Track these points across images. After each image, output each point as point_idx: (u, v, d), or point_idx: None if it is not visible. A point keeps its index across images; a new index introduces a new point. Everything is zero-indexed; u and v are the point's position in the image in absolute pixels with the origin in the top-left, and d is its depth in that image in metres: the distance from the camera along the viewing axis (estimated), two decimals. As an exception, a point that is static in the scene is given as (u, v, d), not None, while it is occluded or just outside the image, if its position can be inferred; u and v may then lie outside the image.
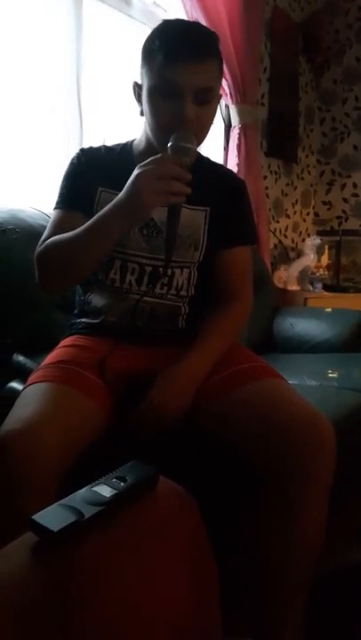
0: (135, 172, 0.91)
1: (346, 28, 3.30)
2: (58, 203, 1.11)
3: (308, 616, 0.95)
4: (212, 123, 1.05)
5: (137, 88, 1.06)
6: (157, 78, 0.98)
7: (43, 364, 1.05)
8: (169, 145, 0.95)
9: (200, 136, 1.02)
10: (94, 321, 1.14)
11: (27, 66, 1.78)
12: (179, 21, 1.07)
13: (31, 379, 1.00)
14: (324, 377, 1.63)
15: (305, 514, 0.89)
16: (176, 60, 0.96)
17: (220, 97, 1.09)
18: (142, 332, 1.11)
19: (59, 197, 1.11)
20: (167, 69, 0.96)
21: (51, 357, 1.07)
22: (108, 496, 0.59)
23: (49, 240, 1.03)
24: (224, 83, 2.38)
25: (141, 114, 1.05)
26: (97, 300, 1.13)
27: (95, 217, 0.96)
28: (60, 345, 1.12)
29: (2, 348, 1.32)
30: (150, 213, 1.02)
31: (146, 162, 0.91)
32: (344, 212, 3.37)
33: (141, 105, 1.05)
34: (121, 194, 0.93)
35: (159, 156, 0.92)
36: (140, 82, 1.04)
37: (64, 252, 1.01)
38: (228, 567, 0.83)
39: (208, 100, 1.00)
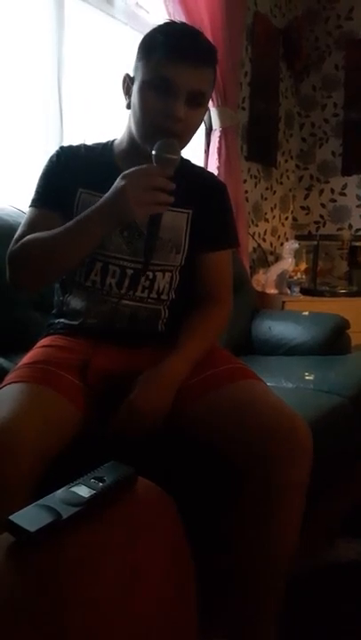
0: (120, 180, 0.92)
1: (326, 36, 3.35)
2: (34, 201, 1.10)
3: (288, 615, 0.96)
4: (197, 128, 1.06)
5: (128, 80, 1.05)
6: (155, 73, 0.99)
7: (19, 364, 1.04)
8: (153, 154, 0.95)
9: (185, 139, 1.03)
10: (73, 322, 1.13)
11: (7, 63, 1.76)
12: (183, 24, 1.09)
13: (7, 379, 0.99)
14: (300, 379, 1.65)
15: (282, 513, 0.90)
16: (178, 59, 0.97)
17: (206, 106, 1.10)
18: (122, 335, 1.10)
19: (35, 195, 1.11)
20: (167, 66, 0.97)
21: (28, 357, 1.06)
22: (86, 496, 0.59)
23: (26, 238, 1.02)
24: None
25: (128, 107, 1.05)
26: (76, 301, 1.13)
27: (77, 219, 0.97)
28: (37, 345, 1.11)
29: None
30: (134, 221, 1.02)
31: (131, 171, 0.92)
32: (322, 217, 3.42)
33: (129, 98, 1.05)
34: (105, 199, 0.94)
35: (144, 167, 0.93)
36: (132, 74, 1.04)
37: (43, 252, 1.00)
38: (211, 567, 0.84)
39: (199, 104, 1.02)
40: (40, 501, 0.58)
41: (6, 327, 1.36)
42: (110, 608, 0.54)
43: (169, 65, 0.97)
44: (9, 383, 0.96)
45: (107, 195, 0.94)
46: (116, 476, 0.63)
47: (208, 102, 1.07)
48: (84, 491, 0.60)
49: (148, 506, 0.64)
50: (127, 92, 1.06)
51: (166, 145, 0.96)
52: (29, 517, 0.55)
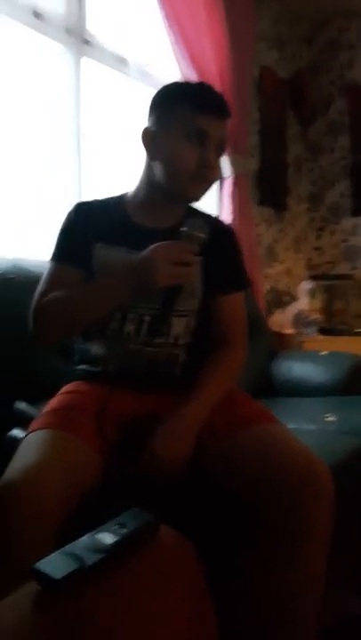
0: (150, 252, 0.97)
1: (329, 84, 3.48)
2: (54, 255, 1.14)
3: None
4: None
5: (148, 135, 1.10)
6: (189, 125, 1.05)
7: (44, 410, 1.06)
8: (184, 230, 1.00)
9: (214, 184, 1.11)
10: (94, 369, 1.15)
11: (29, 122, 1.87)
12: (208, 85, 1.13)
13: (32, 426, 1.00)
14: (321, 421, 1.63)
15: (304, 557, 0.88)
16: (209, 112, 1.06)
17: None
18: (140, 380, 1.12)
19: (55, 250, 1.15)
20: (200, 119, 1.05)
21: (51, 404, 1.07)
22: (109, 543, 0.59)
23: (51, 295, 1.06)
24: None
25: (153, 159, 1.09)
26: (96, 348, 1.15)
27: (100, 283, 1.03)
28: (60, 392, 1.13)
29: (4, 395, 1.33)
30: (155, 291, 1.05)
31: (162, 245, 0.97)
32: (334, 256, 3.45)
33: (152, 151, 1.09)
34: (132, 267, 0.99)
35: (175, 242, 0.98)
36: (151, 128, 1.09)
37: (66, 312, 1.05)
38: (233, 614, 0.82)
39: (223, 151, 1.10)
40: (64, 549, 0.58)
41: (31, 375, 1.39)
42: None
43: (202, 118, 1.05)
44: (33, 430, 0.98)
45: (134, 262, 0.99)
46: (138, 523, 0.63)
47: None
48: (107, 537, 0.60)
49: (169, 553, 0.64)
50: (148, 146, 1.10)
51: (197, 224, 1.01)
52: (54, 565, 0.55)
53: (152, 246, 0.98)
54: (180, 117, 1.06)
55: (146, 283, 0.97)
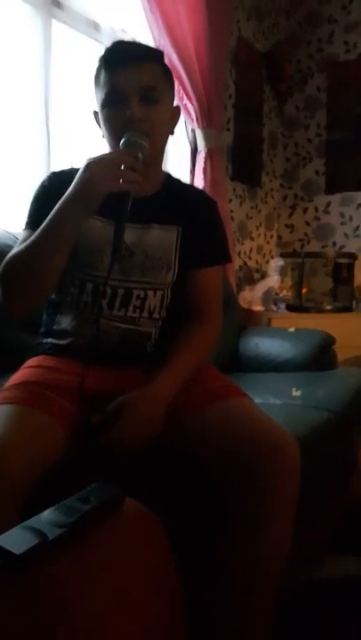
0: (84, 163, 0.94)
1: (307, 59, 3.44)
2: (27, 224, 1.11)
3: (276, 631, 0.95)
4: (165, 126, 1.08)
5: (96, 116, 1.09)
6: (104, 91, 1.03)
7: (6, 384, 1.04)
8: (121, 142, 0.98)
9: (154, 137, 1.03)
10: (61, 342, 1.13)
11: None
12: (117, 41, 1.11)
13: (-5, 400, 0.98)
14: (288, 395, 1.66)
15: (272, 527, 0.90)
16: (115, 66, 1.02)
17: (178, 111, 1.13)
18: (111, 356, 1.10)
19: (28, 218, 1.11)
20: (109, 78, 1.02)
21: (15, 378, 1.05)
22: (72, 517, 0.59)
23: (8, 255, 1.02)
24: (190, 107, 2.44)
25: (103, 136, 1.08)
26: (66, 321, 1.13)
27: (49, 218, 0.97)
28: (25, 365, 1.11)
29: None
30: (101, 199, 0.97)
31: (97, 155, 0.94)
32: (306, 234, 3.47)
33: (100, 129, 1.08)
34: (72, 186, 0.95)
35: (113, 151, 0.96)
36: (96, 109, 1.08)
37: (25, 261, 0.99)
38: (200, 584, 0.84)
39: (155, 99, 1.03)
40: (26, 523, 0.58)
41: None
42: (97, 627, 0.53)
43: (112, 75, 1.02)
44: (-4, 405, 0.96)
45: (73, 183, 0.95)
46: (102, 498, 0.63)
47: (168, 98, 1.08)
48: (69, 512, 0.60)
49: (134, 526, 0.65)
50: (99, 125, 1.09)
51: (133, 132, 0.99)
52: (15, 539, 0.54)
53: (87, 158, 0.95)
54: (100, 86, 1.04)
55: (87, 193, 0.92)
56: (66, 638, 0.51)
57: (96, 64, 1.07)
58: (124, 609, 0.58)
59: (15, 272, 1.00)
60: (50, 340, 1.15)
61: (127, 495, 0.66)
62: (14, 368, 1.11)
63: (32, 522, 0.58)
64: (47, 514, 0.60)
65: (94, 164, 0.92)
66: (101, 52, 1.08)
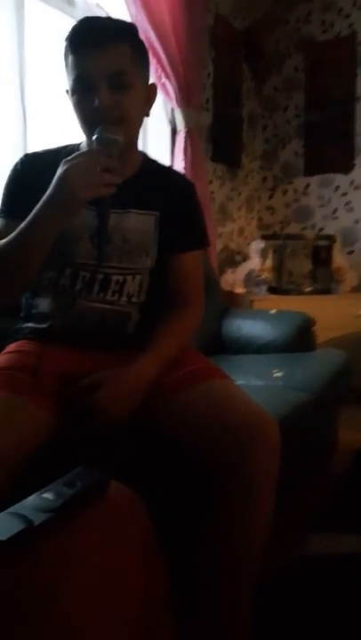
0: (62, 167, 0.90)
1: (286, 38, 3.40)
2: (1, 212, 1.08)
3: (259, 608, 0.97)
4: (137, 111, 1.03)
5: (68, 95, 1.04)
6: (72, 75, 0.98)
7: (-14, 370, 1.02)
8: (94, 138, 0.95)
9: (127, 123, 1.00)
10: (41, 325, 1.12)
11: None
12: (85, 17, 1.04)
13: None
14: (269, 377, 1.68)
15: (253, 505, 0.92)
16: (81, 50, 0.96)
17: (153, 89, 1.07)
18: (91, 338, 1.10)
19: (2, 206, 1.09)
20: (76, 64, 0.97)
21: (-5, 363, 1.04)
22: (56, 502, 0.59)
23: None
24: (169, 86, 2.40)
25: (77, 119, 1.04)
26: (45, 304, 1.11)
27: (28, 219, 0.94)
28: (5, 351, 1.10)
29: None
30: (83, 207, 0.96)
31: (72, 156, 0.90)
32: (286, 217, 3.48)
33: (73, 111, 1.04)
34: (49, 191, 0.91)
35: (85, 150, 0.92)
36: (67, 89, 1.04)
37: (4, 259, 0.98)
38: (185, 563, 0.85)
39: (125, 85, 0.98)
40: (11, 509, 0.57)
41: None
42: (84, 611, 0.54)
43: (77, 60, 0.97)
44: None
45: (51, 186, 0.91)
46: (87, 482, 0.63)
47: (140, 80, 1.03)
48: (54, 496, 0.59)
49: (118, 509, 0.65)
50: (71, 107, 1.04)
51: (105, 127, 0.95)
52: (0, 525, 0.54)
53: (64, 160, 0.91)
54: (68, 70, 1.00)
55: (65, 200, 0.89)
56: (54, 621, 0.51)
57: (63, 43, 1.01)
58: (110, 590, 0.58)
59: None
60: (29, 324, 1.14)
61: (112, 478, 0.66)
62: (-6, 353, 1.10)
63: (17, 507, 0.58)
64: (32, 499, 0.59)
65: (72, 173, 0.88)
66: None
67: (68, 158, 0.90)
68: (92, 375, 1.00)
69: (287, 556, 1.32)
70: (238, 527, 0.92)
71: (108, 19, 1.07)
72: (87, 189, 0.88)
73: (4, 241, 0.98)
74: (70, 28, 1.01)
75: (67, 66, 1.01)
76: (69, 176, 0.88)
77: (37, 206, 0.93)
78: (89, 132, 0.99)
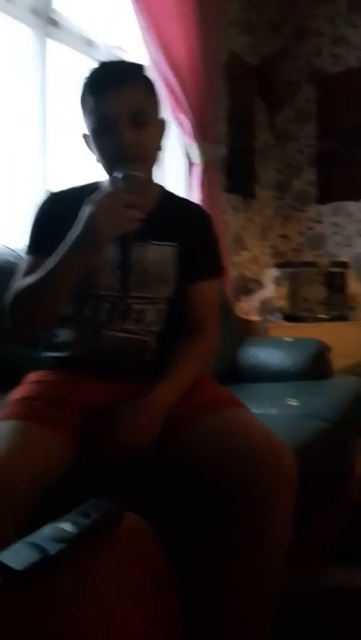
0: (87, 208, 0.94)
1: (297, 72, 3.49)
2: (28, 248, 1.12)
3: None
4: (156, 145, 1.08)
5: (86, 138, 1.09)
6: (93, 118, 1.03)
7: (7, 400, 1.04)
8: (117, 175, 0.99)
9: (147, 159, 1.05)
10: (61, 354, 1.14)
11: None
12: (100, 62, 1.10)
13: (-5, 416, 0.99)
14: (284, 405, 1.67)
15: (269, 537, 0.91)
16: (101, 94, 1.01)
17: (164, 124, 1.11)
18: (110, 366, 1.11)
19: (29, 243, 1.12)
20: (97, 105, 1.01)
21: (15, 394, 1.06)
22: (71, 532, 0.59)
23: (15, 288, 1.04)
24: (185, 121, 2.47)
25: (98, 160, 1.08)
26: (65, 333, 1.14)
27: (54, 257, 0.97)
28: (25, 381, 1.12)
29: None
30: (108, 244, 1.00)
31: (96, 195, 0.94)
32: (300, 244, 3.50)
33: (93, 153, 1.08)
34: (75, 230, 0.95)
35: (109, 189, 0.96)
36: (86, 132, 1.08)
37: (30, 298, 1.01)
38: (199, 597, 0.84)
39: (144, 122, 1.02)
40: (26, 538, 0.58)
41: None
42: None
43: (97, 103, 1.01)
44: (-4, 421, 0.97)
45: (76, 225, 0.95)
46: (101, 512, 0.63)
47: (155, 116, 1.08)
48: (70, 527, 0.60)
49: (133, 540, 0.65)
50: (91, 149, 1.08)
51: (127, 164, 0.99)
52: (16, 555, 0.55)
53: (87, 199, 0.95)
54: (87, 112, 1.04)
55: (91, 239, 0.93)
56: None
57: (80, 87, 1.06)
58: (124, 622, 0.58)
59: (24, 306, 1.03)
60: (50, 353, 1.16)
61: (126, 508, 0.67)
62: (15, 383, 1.12)
63: (33, 537, 0.59)
64: (47, 529, 0.60)
65: (96, 210, 0.92)
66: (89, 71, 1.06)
67: (92, 197, 0.94)
68: (113, 411, 1.01)
69: (303, 587, 1.29)
70: (254, 555, 0.91)
71: (122, 61, 1.13)
72: (112, 227, 0.92)
73: (30, 278, 1.01)
74: (88, 73, 1.06)
75: (85, 109, 1.05)
76: (95, 215, 0.92)
77: (63, 245, 0.96)
78: (111, 170, 1.03)
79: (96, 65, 1.08)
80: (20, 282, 1.04)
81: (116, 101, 1.00)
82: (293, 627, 1.15)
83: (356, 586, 1.33)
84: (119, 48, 2.33)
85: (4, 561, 0.54)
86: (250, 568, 0.92)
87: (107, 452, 0.97)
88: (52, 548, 0.57)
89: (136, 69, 1.07)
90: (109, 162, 1.03)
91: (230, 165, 3.07)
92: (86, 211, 0.93)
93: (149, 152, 1.06)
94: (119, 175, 0.98)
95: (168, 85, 2.37)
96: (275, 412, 1.62)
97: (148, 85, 1.07)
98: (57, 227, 1.06)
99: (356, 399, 1.81)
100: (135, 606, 0.61)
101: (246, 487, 0.90)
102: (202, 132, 2.52)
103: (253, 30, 3.32)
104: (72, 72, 2.11)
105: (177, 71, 2.36)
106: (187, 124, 2.48)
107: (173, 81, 2.37)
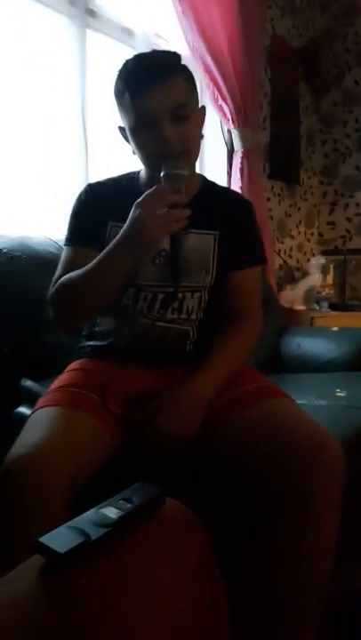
0: (135, 209, 0.94)
1: (344, 52, 3.37)
2: (67, 240, 1.13)
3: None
4: (198, 137, 1.07)
5: (122, 131, 1.09)
6: (132, 115, 1.01)
7: (50, 388, 1.06)
8: (162, 175, 0.98)
9: (190, 154, 1.04)
10: (102, 343, 1.15)
11: (33, 98, 1.84)
12: (135, 56, 1.07)
13: (39, 403, 1.01)
14: (332, 396, 1.63)
15: (314, 531, 0.88)
16: (140, 91, 0.99)
17: (204, 111, 1.10)
18: (150, 355, 1.11)
19: (68, 234, 1.13)
20: (136, 104, 1.00)
21: (58, 381, 1.08)
22: (114, 517, 0.59)
23: (60, 281, 1.05)
24: (226, 107, 2.43)
25: (134, 153, 1.08)
26: (107, 322, 1.15)
27: (101, 255, 0.98)
28: (67, 369, 1.13)
29: (10, 373, 1.34)
30: (159, 245, 1.04)
31: (143, 197, 0.94)
32: (348, 231, 3.40)
33: (129, 144, 1.08)
34: (124, 231, 0.96)
35: (154, 189, 0.95)
36: (122, 124, 1.07)
37: (75, 293, 1.03)
38: (243, 588, 0.83)
39: (186, 117, 1.01)
40: (69, 523, 0.59)
41: (37, 352, 1.40)
42: (140, 628, 0.54)
43: (138, 100, 0.99)
44: (40, 407, 0.99)
45: (125, 226, 0.96)
46: (144, 497, 0.63)
47: (198, 108, 1.07)
48: (112, 512, 0.60)
49: (175, 526, 0.65)
50: (127, 141, 1.08)
51: (171, 163, 0.98)
52: (59, 539, 0.55)
53: (136, 202, 0.94)
54: (125, 109, 1.03)
55: (139, 241, 0.94)
56: (107, 638, 0.51)
57: (116, 81, 1.04)
58: (166, 609, 0.58)
59: (68, 301, 1.04)
60: (91, 342, 1.18)
61: (168, 495, 0.67)
62: (58, 372, 1.14)
63: (75, 522, 0.59)
64: (90, 514, 0.60)
65: (145, 214, 0.92)
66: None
67: (139, 200, 0.94)
68: (153, 400, 1.01)
69: (351, 588, 1.26)
70: (299, 549, 0.89)
71: (158, 53, 1.09)
72: (159, 230, 0.93)
73: (76, 274, 1.02)
74: (122, 67, 1.04)
75: (122, 104, 1.04)
76: (142, 218, 0.92)
77: (111, 245, 0.97)
78: (154, 168, 1.03)
79: (132, 57, 1.06)
80: (64, 275, 1.05)
81: (156, 99, 0.98)
82: (342, 625, 1.12)
83: None
84: (158, 36, 2.31)
85: (48, 544, 0.54)
86: (296, 559, 0.89)
87: (146, 441, 0.97)
88: (94, 533, 0.57)
89: (174, 61, 1.04)
90: (150, 159, 1.03)
91: (274, 151, 3.00)
92: (135, 214, 0.94)
93: (192, 146, 1.05)
94: (164, 174, 0.97)
95: (208, 71, 2.34)
96: (321, 403, 1.58)
97: (187, 76, 1.05)
98: (95, 218, 1.08)
99: None
100: (179, 592, 0.60)
101: (291, 479, 0.88)
102: (243, 118, 2.48)
103: (297, 11, 3.22)
104: (112, 62, 2.11)
105: (217, 57, 2.32)
106: (227, 110, 2.44)
107: (213, 67, 2.33)
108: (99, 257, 0.98)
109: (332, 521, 0.90)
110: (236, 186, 2.49)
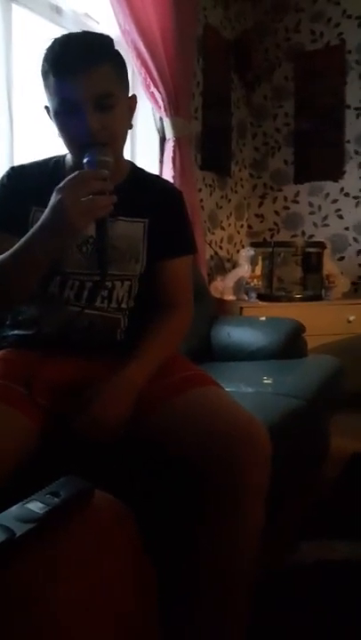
0: (56, 195, 0.90)
1: (275, 48, 3.44)
2: None
3: (252, 617, 0.96)
4: (124, 127, 1.04)
5: (48, 111, 1.04)
6: (55, 98, 0.97)
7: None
8: (85, 161, 0.95)
9: (115, 143, 1.01)
10: (27, 332, 1.11)
11: None
12: (64, 36, 1.00)
13: None
14: (259, 383, 1.67)
15: (243, 516, 0.91)
16: (64, 76, 0.95)
17: (134, 101, 1.07)
18: (78, 345, 1.09)
19: None
20: (60, 87, 0.95)
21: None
22: (40, 512, 0.58)
23: None
24: (158, 95, 2.41)
25: (58, 135, 1.04)
26: (32, 310, 1.11)
27: (21, 242, 0.94)
28: (-10, 360, 1.09)
29: None
30: (83, 233, 1.00)
31: (64, 182, 0.90)
32: (276, 224, 3.49)
33: (54, 125, 1.04)
34: (44, 217, 0.91)
35: (77, 173, 0.91)
36: (46, 104, 1.03)
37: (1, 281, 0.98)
38: (173, 575, 0.83)
39: (111, 105, 0.98)
40: (-8, 520, 0.56)
41: None
42: (70, 624, 0.52)
43: (61, 85, 0.95)
44: None
45: (45, 213, 0.91)
46: (72, 491, 0.62)
47: (124, 96, 1.03)
48: (38, 507, 0.58)
49: (105, 519, 0.64)
50: (52, 119, 1.04)
51: (95, 150, 0.95)
52: (-19, 537, 0.53)
53: (57, 188, 0.90)
54: (51, 91, 0.98)
55: (62, 228, 0.89)
56: (36, 635, 0.49)
57: (42, 61, 0.99)
58: (97, 602, 0.57)
59: None
60: (15, 331, 1.13)
61: (98, 487, 0.65)
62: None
63: (-1, 518, 0.56)
64: (14, 509, 0.58)
65: (67, 200, 0.87)
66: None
67: (61, 185, 0.90)
68: (82, 390, 0.99)
69: (279, 564, 1.31)
70: (228, 533, 0.91)
71: (86, 35, 1.03)
72: (83, 217, 0.89)
73: None
74: (49, 47, 0.99)
75: (47, 86, 0.99)
76: (64, 205, 0.88)
77: (31, 232, 0.93)
78: (77, 154, 0.99)
79: (60, 37, 1.00)
80: None
81: (81, 86, 0.94)
82: (269, 601, 1.16)
83: (330, 559, 1.36)
84: (88, 16, 2.24)
85: (-32, 543, 0.52)
86: (225, 542, 0.91)
87: (75, 432, 0.95)
88: (19, 529, 0.55)
89: (104, 46, 0.99)
90: (73, 145, 1.00)
91: (205, 142, 3.02)
92: (55, 200, 0.89)
93: (118, 135, 1.02)
94: (87, 160, 0.94)
95: (140, 57, 2.30)
96: (249, 390, 1.62)
97: (117, 63, 1.01)
98: (18, 202, 1.04)
99: (331, 377, 1.83)
100: (108, 585, 0.60)
101: (220, 465, 0.89)
102: (175, 107, 2.47)
103: (230, 3, 3.24)
104: (38, 40, 2.02)
105: (149, 42, 2.29)
106: (159, 97, 2.42)
107: (145, 52, 2.30)
108: (19, 243, 0.94)
109: (259, 504, 0.93)
110: (167, 174, 2.48)
